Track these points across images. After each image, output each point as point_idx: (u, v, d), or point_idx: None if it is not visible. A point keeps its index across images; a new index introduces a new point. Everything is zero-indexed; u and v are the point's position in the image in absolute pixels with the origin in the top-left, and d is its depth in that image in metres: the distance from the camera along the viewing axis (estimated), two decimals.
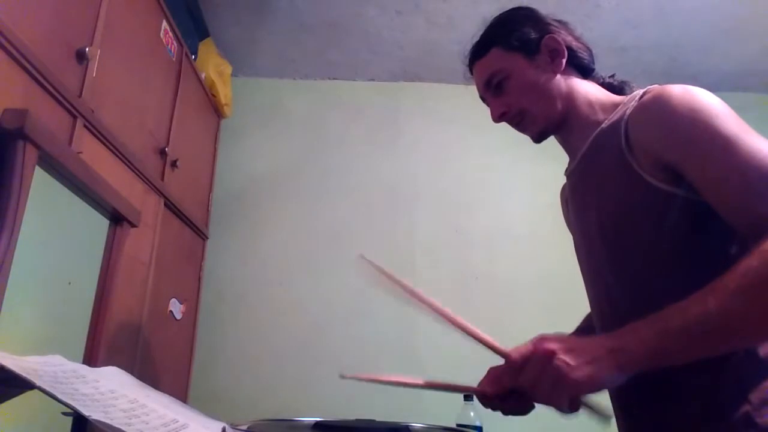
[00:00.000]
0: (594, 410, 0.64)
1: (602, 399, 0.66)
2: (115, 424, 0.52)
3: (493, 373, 0.82)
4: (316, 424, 0.88)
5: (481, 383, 0.83)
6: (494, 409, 0.80)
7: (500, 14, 0.92)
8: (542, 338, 0.64)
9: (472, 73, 0.94)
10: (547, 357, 0.61)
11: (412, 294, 0.79)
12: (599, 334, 0.83)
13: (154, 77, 1.45)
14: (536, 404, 0.73)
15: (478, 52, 0.90)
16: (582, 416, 0.65)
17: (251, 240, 2.05)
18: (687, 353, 0.59)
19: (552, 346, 0.61)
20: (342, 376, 0.79)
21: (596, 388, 0.61)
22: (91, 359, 0.97)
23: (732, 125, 0.64)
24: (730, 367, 0.64)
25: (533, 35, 0.86)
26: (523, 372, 0.63)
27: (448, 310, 0.75)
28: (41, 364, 0.60)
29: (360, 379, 0.78)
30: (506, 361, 0.67)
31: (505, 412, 0.80)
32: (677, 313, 0.58)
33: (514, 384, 0.66)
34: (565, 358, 0.60)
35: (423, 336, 1.89)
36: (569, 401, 0.61)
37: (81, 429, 0.66)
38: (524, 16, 0.89)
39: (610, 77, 0.91)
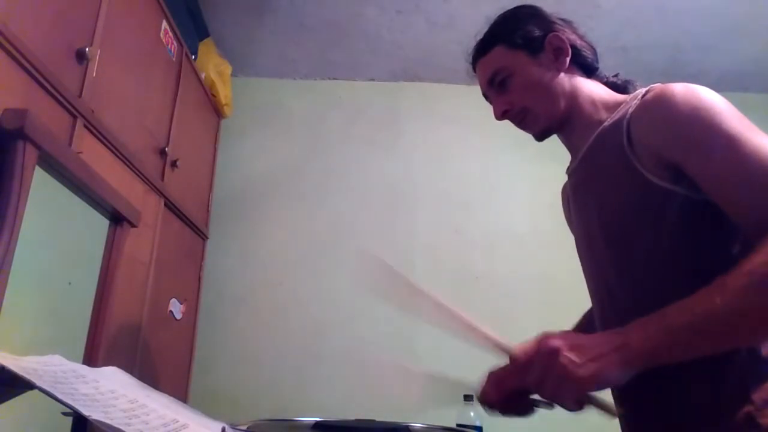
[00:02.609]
0: (600, 407, 0.63)
1: (606, 397, 0.66)
2: (115, 424, 0.52)
3: (495, 377, 0.78)
4: (316, 424, 0.88)
5: (483, 389, 0.82)
6: (495, 412, 0.79)
7: (504, 12, 0.92)
8: (546, 335, 0.64)
9: (475, 71, 0.93)
10: (552, 354, 0.60)
11: (414, 289, 0.81)
12: (600, 331, 0.83)
13: (154, 77, 1.44)
14: (538, 404, 0.72)
15: (482, 49, 0.90)
16: (582, 417, 0.65)
17: (251, 240, 2.05)
18: (692, 350, 0.59)
19: (556, 343, 0.61)
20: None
21: (602, 385, 0.60)
22: (91, 359, 0.97)
23: (735, 123, 0.64)
24: (732, 367, 0.64)
25: (537, 33, 0.86)
26: (528, 371, 0.63)
27: (450, 306, 0.75)
28: (41, 364, 0.60)
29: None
30: (510, 360, 0.67)
31: (506, 415, 0.80)
32: (683, 310, 0.58)
33: (519, 384, 0.65)
34: (569, 356, 0.59)
35: (423, 336, 1.89)
36: (576, 399, 0.61)
37: (81, 429, 0.66)
38: (528, 14, 0.89)
39: (614, 76, 0.91)
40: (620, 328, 0.62)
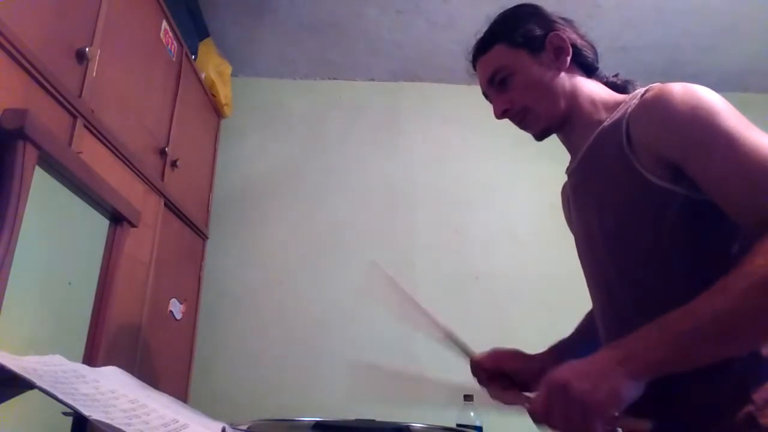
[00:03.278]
0: (630, 424, 0.62)
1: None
2: (115, 424, 0.52)
3: (496, 354, 0.91)
4: (316, 424, 0.88)
5: (480, 358, 0.91)
6: (481, 384, 0.86)
7: (505, 11, 0.92)
8: (550, 374, 0.62)
9: (475, 69, 0.93)
10: (563, 390, 0.59)
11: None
12: (602, 332, 0.83)
13: (154, 77, 1.44)
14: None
15: (482, 47, 0.90)
16: None
17: (251, 240, 2.05)
18: (695, 355, 0.58)
19: (562, 377, 0.60)
20: (373, 264, 0.84)
21: (621, 402, 0.58)
22: (91, 359, 0.97)
23: (733, 122, 0.64)
24: (733, 366, 0.64)
25: (538, 32, 0.86)
26: (550, 415, 0.61)
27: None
28: (41, 364, 0.60)
29: (388, 281, 0.84)
30: (529, 413, 0.65)
31: (492, 395, 0.82)
32: (684, 316, 0.58)
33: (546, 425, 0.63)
34: (579, 385, 0.58)
35: (422, 337, 1.88)
36: (605, 424, 0.59)
37: (81, 429, 0.66)
38: (529, 13, 0.89)
39: (614, 76, 0.91)
40: (622, 340, 0.61)
